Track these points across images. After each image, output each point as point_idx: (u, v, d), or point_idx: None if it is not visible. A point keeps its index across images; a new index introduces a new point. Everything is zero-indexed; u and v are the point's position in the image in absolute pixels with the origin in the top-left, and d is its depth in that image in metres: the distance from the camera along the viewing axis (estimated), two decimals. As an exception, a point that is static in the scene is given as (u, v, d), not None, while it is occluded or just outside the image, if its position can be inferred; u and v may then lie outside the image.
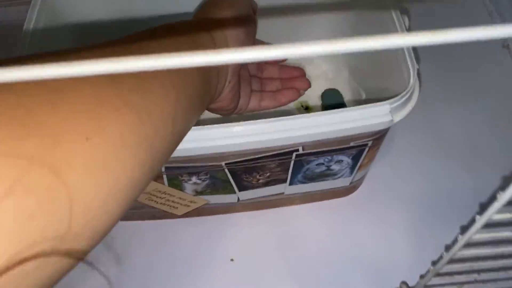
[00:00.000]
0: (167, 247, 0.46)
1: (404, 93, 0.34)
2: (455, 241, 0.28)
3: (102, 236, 0.20)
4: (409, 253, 0.45)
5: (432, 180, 0.49)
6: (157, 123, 0.22)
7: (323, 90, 0.53)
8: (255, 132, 0.34)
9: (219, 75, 0.33)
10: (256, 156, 0.37)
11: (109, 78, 0.19)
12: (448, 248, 0.28)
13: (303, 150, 0.37)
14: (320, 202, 0.48)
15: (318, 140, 0.36)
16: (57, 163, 0.16)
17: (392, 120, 0.34)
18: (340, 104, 0.50)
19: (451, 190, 0.49)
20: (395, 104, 0.34)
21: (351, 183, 0.46)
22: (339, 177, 0.43)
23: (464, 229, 0.32)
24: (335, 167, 0.41)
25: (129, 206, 0.21)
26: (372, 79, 0.46)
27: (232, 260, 0.45)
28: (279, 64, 0.48)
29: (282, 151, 0.37)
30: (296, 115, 0.34)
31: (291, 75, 0.47)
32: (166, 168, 0.37)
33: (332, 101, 0.50)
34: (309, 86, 0.47)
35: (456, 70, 0.57)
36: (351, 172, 0.43)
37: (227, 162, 0.38)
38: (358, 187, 0.49)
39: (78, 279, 0.44)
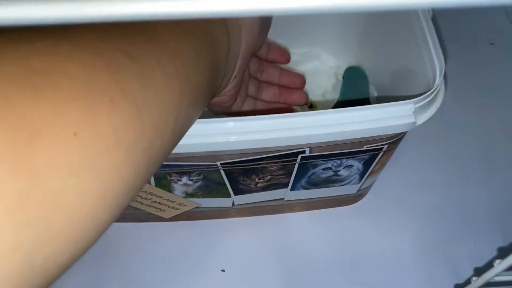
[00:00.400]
0: (151, 253, 0.41)
1: (430, 92, 0.30)
2: (490, 265, 0.24)
3: (87, 249, 0.17)
4: (419, 269, 0.41)
5: (445, 191, 0.45)
6: (157, 118, 0.18)
7: (328, 88, 0.49)
8: (256, 129, 0.29)
9: (227, 66, 0.29)
10: (257, 157, 0.33)
11: (103, 60, 0.16)
12: (479, 271, 0.25)
13: (310, 152, 0.33)
14: (322, 210, 0.44)
15: (328, 142, 0.32)
16: (35, 163, 0.13)
17: (414, 122, 0.30)
18: (363, 84, 0.45)
19: (465, 203, 0.45)
20: (420, 104, 0.30)
21: (358, 190, 0.41)
22: (346, 184, 0.39)
23: (503, 251, 0.28)
24: (343, 172, 0.37)
25: (118, 215, 0.18)
26: (387, 77, 0.42)
27: (223, 271, 0.41)
28: (280, 66, 0.44)
29: (286, 152, 0.33)
30: (305, 112, 0.30)
31: (291, 82, 0.43)
32: (153, 166, 0.33)
33: (354, 82, 0.46)
34: (306, 102, 0.45)
35: (476, 76, 0.53)
36: (360, 179, 0.39)
37: (223, 162, 0.33)
38: (364, 195, 0.44)
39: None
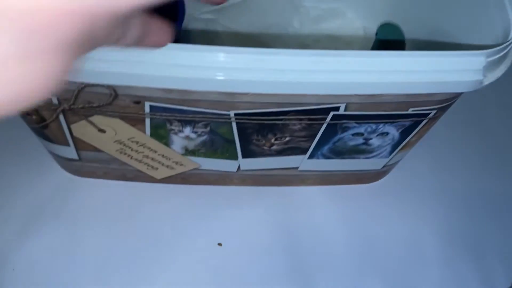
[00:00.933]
0: (136, 218, 0.35)
1: (505, 44, 0.24)
2: None
3: None
4: (441, 261, 0.36)
5: (476, 179, 0.40)
6: None
7: (359, 47, 0.43)
8: (285, 67, 0.23)
9: None
10: (280, 110, 0.27)
11: None
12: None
13: (345, 109, 0.27)
14: (338, 186, 0.38)
15: (372, 96, 0.26)
16: None
17: (481, 81, 0.24)
18: (399, 45, 0.39)
19: (499, 194, 0.39)
20: (491, 58, 0.24)
21: (384, 166, 0.36)
22: (373, 157, 0.33)
23: None
24: (375, 141, 0.31)
25: None
26: (430, 36, 0.36)
27: (219, 245, 0.35)
28: None
29: (316, 107, 0.27)
30: (350, 51, 0.23)
31: None
32: (152, 108, 0.26)
33: (388, 42, 0.39)
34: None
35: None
36: (391, 151, 0.33)
37: (238, 112, 0.27)
38: (386, 174, 0.39)
39: (17, 244, 0.33)
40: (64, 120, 0.28)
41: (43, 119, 0.28)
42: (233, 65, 0.23)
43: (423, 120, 0.29)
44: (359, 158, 0.33)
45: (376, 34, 0.41)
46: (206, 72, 0.23)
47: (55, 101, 0.26)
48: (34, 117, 0.28)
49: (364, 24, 0.45)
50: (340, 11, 0.45)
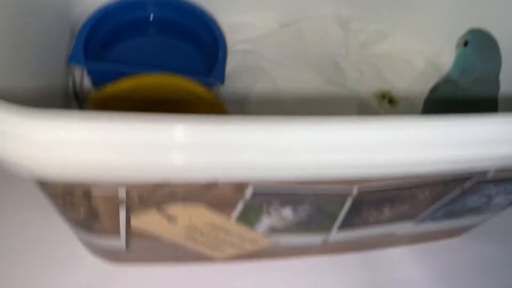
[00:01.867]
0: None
1: None
2: None
3: None
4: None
5: None
6: None
7: (418, 75, 0.38)
8: (448, 141, 0.17)
9: None
10: (419, 182, 0.21)
11: None
12: None
13: (491, 176, 0.21)
14: (425, 244, 0.32)
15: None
16: None
17: None
18: (496, 57, 0.31)
19: None
20: None
21: (482, 220, 0.30)
22: (483, 214, 0.28)
23: None
24: (497, 200, 0.26)
25: None
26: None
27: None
28: None
29: (461, 176, 0.21)
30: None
31: None
32: (256, 192, 0.19)
33: (484, 51, 0.31)
34: None
35: None
36: (504, 208, 0.28)
37: (363, 186, 0.20)
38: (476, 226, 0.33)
39: None
40: (123, 211, 0.21)
41: (93, 212, 0.21)
42: (395, 142, 0.17)
43: None
44: (469, 216, 0.28)
45: (467, 42, 0.32)
46: (356, 156, 0.16)
47: (122, 194, 0.19)
48: (81, 208, 0.21)
49: (427, 42, 0.39)
50: (387, 32, 0.40)
